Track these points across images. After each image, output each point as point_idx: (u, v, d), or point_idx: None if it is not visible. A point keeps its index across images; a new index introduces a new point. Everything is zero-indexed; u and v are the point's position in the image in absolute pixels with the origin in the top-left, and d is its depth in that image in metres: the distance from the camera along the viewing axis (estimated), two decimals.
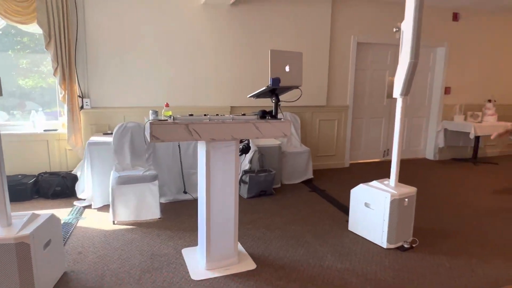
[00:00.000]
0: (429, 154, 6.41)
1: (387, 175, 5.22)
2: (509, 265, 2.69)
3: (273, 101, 2.54)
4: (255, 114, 2.57)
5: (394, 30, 5.77)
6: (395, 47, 5.76)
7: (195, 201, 3.95)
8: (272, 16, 4.82)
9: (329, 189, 4.50)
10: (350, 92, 5.51)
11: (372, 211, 3.00)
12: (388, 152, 6.12)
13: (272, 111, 2.56)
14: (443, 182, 4.97)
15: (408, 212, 2.94)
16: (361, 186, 3.13)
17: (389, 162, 6.13)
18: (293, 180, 4.74)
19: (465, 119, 6.15)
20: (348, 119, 5.58)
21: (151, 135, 2.17)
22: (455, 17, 5.92)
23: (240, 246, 2.88)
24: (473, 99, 6.40)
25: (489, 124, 5.90)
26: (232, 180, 2.51)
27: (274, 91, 2.51)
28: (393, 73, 5.93)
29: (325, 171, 5.35)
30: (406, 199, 2.89)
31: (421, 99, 6.24)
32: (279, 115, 2.56)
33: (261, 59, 4.85)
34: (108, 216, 3.45)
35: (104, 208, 3.69)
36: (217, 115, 2.52)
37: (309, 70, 5.09)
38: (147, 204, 3.43)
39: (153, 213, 3.45)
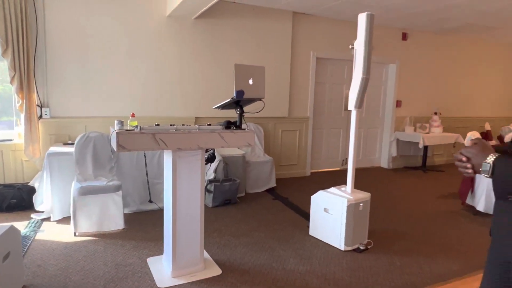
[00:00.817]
0: (384, 162, 6.83)
1: (345, 183, 5.51)
2: (451, 261, 2.98)
3: (238, 112, 2.66)
4: (220, 125, 2.67)
5: (350, 47, 6.15)
6: (351, 62, 6.13)
7: (160, 211, 3.95)
8: (235, 30, 5.00)
9: (291, 197, 4.68)
10: (311, 104, 5.79)
11: (330, 216, 3.19)
12: (346, 161, 6.45)
13: (236, 121, 2.68)
14: (395, 188, 5.34)
15: (363, 216, 3.17)
16: (320, 193, 3.32)
17: (347, 170, 6.46)
18: (257, 189, 4.87)
19: (415, 130, 6.64)
20: (309, 129, 5.84)
21: (118, 145, 2.21)
22: (404, 36, 6.44)
23: (206, 254, 2.94)
24: (421, 111, 6.94)
25: (435, 135, 6.43)
26: (198, 189, 2.59)
27: (238, 102, 2.64)
28: (349, 87, 6.30)
29: (287, 180, 5.54)
30: (361, 204, 3.11)
31: (375, 111, 6.67)
32: (243, 126, 2.69)
33: (225, 71, 4.99)
34: (68, 228, 3.37)
35: (64, 220, 3.59)
36: (183, 125, 2.60)
37: (272, 83, 5.29)
38: (110, 214, 3.40)
39: (117, 223, 3.41)
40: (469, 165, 1.10)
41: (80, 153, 3.60)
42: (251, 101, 2.69)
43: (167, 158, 2.54)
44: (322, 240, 3.29)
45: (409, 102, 6.78)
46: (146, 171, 3.91)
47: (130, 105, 4.50)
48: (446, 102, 7.19)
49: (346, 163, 6.46)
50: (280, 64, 5.36)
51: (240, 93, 2.50)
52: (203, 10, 4.35)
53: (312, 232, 3.41)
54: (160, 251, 2.98)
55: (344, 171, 6.29)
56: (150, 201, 3.95)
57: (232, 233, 3.44)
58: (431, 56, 6.82)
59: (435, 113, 6.70)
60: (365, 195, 3.18)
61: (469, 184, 4.27)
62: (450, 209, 4.41)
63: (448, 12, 4.98)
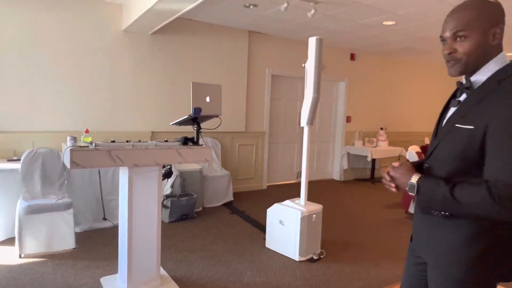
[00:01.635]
0: (336, 175, 7.17)
1: (300, 195, 5.71)
2: (394, 266, 3.22)
3: (195, 128, 2.73)
4: (178, 140, 2.72)
5: (303, 65, 6.46)
6: (304, 79, 6.45)
7: (113, 228, 3.84)
8: (193, 47, 5.08)
9: (248, 210, 4.77)
10: (267, 119, 5.98)
11: (285, 228, 3.32)
12: (300, 174, 6.68)
13: (194, 137, 2.74)
14: (346, 199, 5.63)
15: (316, 226, 3.34)
16: (276, 206, 3.45)
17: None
18: (214, 203, 4.91)
19: (363, 144, 7.08)
20: (265, 144, 6.01)
21: (72, 162, 2.17)
22: (352, 57, 6.91)
23: (162, 270, 2.92)
24: (369, 127, 7.42)
25: (382, 149, 6.90)
26: (154, 205, 2.60)
27: (195, 119, 2.71)
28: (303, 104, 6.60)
29: (244, 193, 5.63)
30: (314, 215, 3.28)
31: (327, 126, 7.02)
32: (201, 141, 2.75)
33: (182, 87, 5.03)
34: (13, 250, 3.17)
35: (8, 241, 3.37)
36: (140, 141, 2.61)
37: (229, 98, 5.40)
38: (60, 234, 3.26)
39: (67, 243, 3.28)
40: (393, 184, 1.26)
41: (27, 170, 3.43)
42: (208, 118, 2.77)
43: (123, 175, 2.53)
44: (278, 251, 3.40)
45: (358, 118, 7.23)
46: (101, 188, 3.80)
47: (84, 120, 4.37)
48: (391, 118, 7.76)
49: (301, 176, 6.70)
50: (237, 80, 5.50)
51: (197, 110, 2.57)
52: (160, 26, 4.39)
53: (268, 244, 3.51)
54: (114, 270, 2.91)
55: (299, 184, 6.52)
56: (104, 219, 3.83)
57: (189, 248, 3.45)
58: (377, 76, 7.36)
59: (381, 128, 7.20)
60: (317, 207, 3.36)
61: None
62: (395, 217, 4.75)
63: (389, 37, 5.46)
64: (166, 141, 2.71)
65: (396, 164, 1.29)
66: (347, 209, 5.09)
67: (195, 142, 2.71)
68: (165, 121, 4.94)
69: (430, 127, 8.67)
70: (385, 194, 6.08)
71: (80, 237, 3.56)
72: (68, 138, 2.59)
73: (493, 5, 1.16)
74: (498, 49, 1.17)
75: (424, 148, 6.80)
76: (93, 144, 2.29)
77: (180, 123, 2.70)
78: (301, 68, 6.30)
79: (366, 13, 4.27)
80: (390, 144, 7.34)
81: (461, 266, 1.16)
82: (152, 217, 2.59)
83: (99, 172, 3.82)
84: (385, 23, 4.68)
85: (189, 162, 2.64)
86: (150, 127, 4.87)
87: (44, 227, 3.17)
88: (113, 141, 2.46)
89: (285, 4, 3.70)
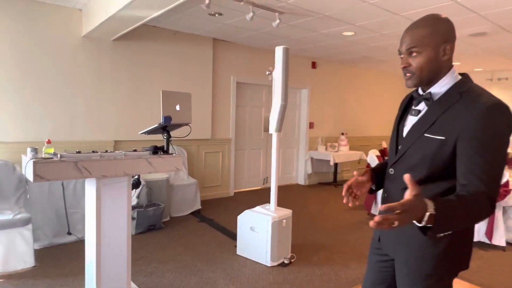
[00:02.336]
0: (301, 180, 7.33)
1: (268, 201, 5.78)
2: (362, 266, 3.36)
3: (165, 137, 2.69)
4: (147, 150, 2.67)
5: (267, 73, 6.58)
6: (268, 87, 6.57)
7: (76, 243, 3.66)
8: (156, 53, 5.00)
9: (217, 218, 4.74)
10: (232, 126, 6.00)
11: (257, 234, 3.35)
12: (267, 180, 6.77)
13: (163, 146, 2.70)
14: (312, 203, 5.78)
15: (286, 231, 3.40)
16: (246, 212, 3.47)
17: (269, 188, 6.75)
18: (182, 212, 4.83)
19: (326, 149, 7.31)
20: (231, 151, 6.02)
21: (35, 175, 2.06)
22: (314, 65, 7.14)
23: (133, 284, 2.83)
24: (331, 132, 7.69)
25: (343, 153, 7.16)
26: (124, 218, 2.52)
27: (165, 127, 2.67)
28: (268, 110, 6.71)
29: (212, 201, 5.59)
30: (284, 220, 3.35)
31: (292, 132, 7.18)
32: (171, 150, 2.72)
33: (146, 94, 4.93)
34: None
35: None
36: (107, 151, 2.53)
37: (194, 106, 5.31)
38: (17, 252, 3.05)
39: (26, 261, 3.07)
40: (396, 223, 0.98)
41: None
42: (178, 126, 2.75)
43: (90, 187, 2.43)
44: (250, 258, 3.42)
45: (320, 124, 7.47)
46: (64, 201, 3.59)
47: (41, 130, 4.14)
48: (350, 123, 8.09)
49: (267, 181, 6.78)
50: (202, 87, 5.48)
51: (167, 118, 2.55)
52: (123, 32, 4.29)
53: (240, 251, 3.52)
54: (79, 286, 2.77)
55: (266, 190, 6.62)
56: (69, 233, 3.62)
57: (158, 259, 3.36)
58: (337, 83, 7.66)
59: (342, 133, 7.48)
60: (287, 212, 3.42)
61: (373, 196, 4.87)
62: (358, 219, 4.95)
63: (349, 46, 5.72)
64: (135, 150, 2.64)
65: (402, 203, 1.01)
66: (314, 212, 5.23)
67: (165, 151, 2.68)
68: (128, 129, 4.80)
69: (386, 131, 9.15)
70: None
71: (40, 254, 3.35)
72: (29, 149, 2.46)
73: (444, 23, 1.26)
74: (448, 63, 1.28)
75: (382, 152, 7.16)
76: (58, 155, 2.19)
77: (150, 132, 2.66)
78: (265, 76, 6.43)
79: (327, 23, 4.46)
80: (351, 148, 7.64)
81: (430, 262, 1.28)
82: (122, 230, 2.51)
83: (62, 184, 3.63)
84: (344, 33, 4.91)
85: (159, 171, 2.60)
86: (112, 136, 4.70)
87: (0, 245, 2.95)
88: (79, 152, 2.37)
89: (251, 14, 3.77)
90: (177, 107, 2.63)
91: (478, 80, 8.01)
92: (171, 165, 2.63)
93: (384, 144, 7.52)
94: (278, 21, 4.00)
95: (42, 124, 4.16)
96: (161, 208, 4.22)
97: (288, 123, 7.07)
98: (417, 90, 1.37)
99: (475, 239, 3.89)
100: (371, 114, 8.58)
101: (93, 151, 2.52)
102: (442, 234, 1.18)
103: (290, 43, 5.59)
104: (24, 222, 3.08)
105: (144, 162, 2.48)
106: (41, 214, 3.58)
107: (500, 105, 1.16)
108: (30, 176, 2.11)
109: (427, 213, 1.01)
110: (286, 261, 3.33)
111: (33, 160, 2.08)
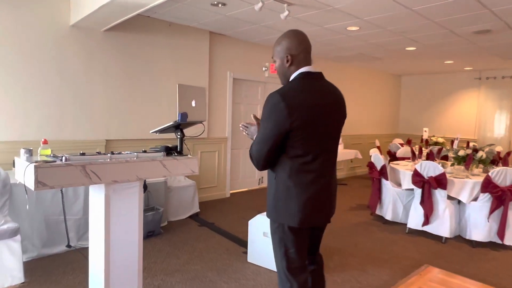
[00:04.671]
0: None
1: (264, 202, 5.56)
2: (380, 271, 3.20)
3: (178, 136, 2.42)
4: (156, 150, 2.38)
5: (264, 69, 6.36)
6: (264, 84, 6.35)
7: (68, 253, 3.31)
8: (150, 46, 4.66)
9: (217, 221, 4.48)
10: (229, 124, 5.74)
11: (270, 239, 3.11)
12: (262, 179, 6.54)
13: (176, 146, 2.43)
14: None
15: None
16: (258, 217, 3.23)
17: (265, 189, 6.56)
18: (180, 216, 4.53)
19: None
20: (227, 150, 5.76)
21: (37, 181, 1.75)
22: None
23: None
24: None
25: (339, 152, 7.02)
26: (135, 227, 2.23)
27: (178, 126, 2.40)
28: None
29: (209, 203, 5.31)
30: None
31: None
32: (185, 151, 2.45)
33: (139, 89, 4.59)
34: None
35: None
36: (113, 152, 2.22)
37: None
38: (4, 266, 2.68)
39: (14, 277, 2.71)
40: (246, 131, 1.94)
41: None
42: (192, 124, 2.48)
43: (97, 193, 2.13)
44: (263, 266, 3.19)
45: None
46: (63, 207, 3.18)
47: (25, 128, 3.74)
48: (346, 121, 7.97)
49: (263, 181, 6.56)
50: (198, 83, 5.17)
51: (184, 116, 2.28)
52: (116, 22, 3.94)
53: (251, 258, 3.28)
54: None
55: (261, 190, 6.40)
56: (69, 246, 3.22)
57: (164, 270, 3.08)
58: (330, 80, 7.51)
59: None
60: None
61: (378, 196, 4.75)
62: (362, 220, 4.82)
63: (348, 42, 5.58)
64: (145, 151, 2.35)
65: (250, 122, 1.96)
66: None
67: (179, 152, 2.40)
68: (120, 128, 4.45)
69: (378, 129, 9.14)
70: (345, 196, 6.19)
71: (29, 268, 2.99)
72: (22, 151, 2.13)
73: (286, 41, 1.76)
74: (295, 68, 1.76)
75: (379, 148, 7.09)
76: (63, 157, 1.88)
77: (162, 131, 2.37)
78: (261, 72, 6.21)
79: (334, 17, 4.28)
80: (345, 147, 7.54)
81: (270, 211, 1.81)
82: (133, 241, 2.23)
83: (61, 189, 3.25)
84: (349, 28, 4.75)
85: (174, 175, 2.32)
86: (103, 134, 4.34)
87: None
88: (83, 154, 2.06)
89: (260, 4, 3.52)
90: (193, 103, 2.36)
91: (467, 78, 8.06)
92: (186, 167, 2.36)
93: (378, 143, 7.46)
94: (286, 12, 3.78)
95: (26, 122, 3.76)
96: (160, 213, 3.92)
97: None
98: None
99: (486, 239, 3.83)
100: (363, 112, 8.52)
101: (97, 153, 2.23)
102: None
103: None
104: (12, 233, 2.72)
105: (158, 165, 2.20)
106: (28, 223, 3.21)
107: (271, 94, 1.69)
108: (30, 183, 1.79)
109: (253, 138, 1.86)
110: None
111: (34, 164, 1.76)
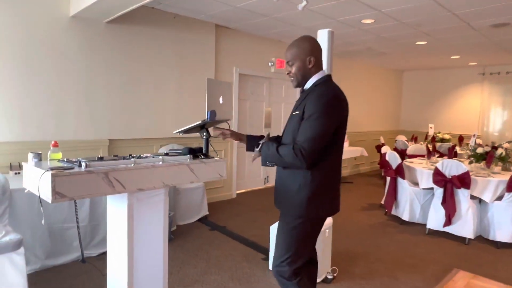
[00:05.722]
0: None
1: (272, 202, 5.35)
2: (411, 277, 3.03)
3: (204, 137, 2.18)
4: (178, 153, 2.14)
5: (270, 64, 6.12)
6: (270, 80, 6.12)
7: (73, 264, 3.05)
8: (154, 39, 4.37)
9: (228, 225, 4.25)
10: (235, 122, 5.50)
11: None
12: (268, 179, 6.33)
13: (200, 148, 2.19)
14: None
15: (327, 243, 2.99)
16: None
17: (270, 188, 6.33)
18: (188, 220, 4.28)
19: None
20: (233, 149, 5.52)
21: (54, 192, 1.49)
22: None
23: None
24: None
25: (345, 149, 6.84)
26: (160, 239, 2.00)
27: (204, 125, 2.16)
28: (269, 104, 6.26)
29: (216, 204, 5.07)
30: (327, 230, 2.93)
31: None
32: (211, 152, 2.21)
33: (144, 84, 4.31)
34: None
35: None
36: (131, 155, 1.96)
37: (195, 99, 4.80)
38: (6, 282, 2.41)
39: None
40: (228, 137, 2.15)
41: None
42: (217, 123, 2.25)
43: (118, 202, 1.88)
44: None
45: None
46: (76, 215, 2.82)
47: (23, 128, 3.44)
48: (349, 118, 7.80)
49: (268, 181, 6.35)
50: (203, 78, 4.89)
51: (213, 114, 2.04)
52: (120, 13, 3.66)
53: None
54: None
55: (267, 190, 6.18)
56: (83, 261, 2.89)
57: (182, 281, 2.84)
58: (335, 77, 7.31)
59: None
60: (329, 220, 3.01)
61: (393, 196, 4.58)
62: (378, 220, 4.65)
63: (357, 36, 5.38)
64: (167, 154, 2.10)
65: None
66: None
67: (205, 154, 2.17)
68: (125, 126, 4.18)
69: (382, 126, 9.01)
70: (353, 195, 6.02)
71: (32, 281, 2.73)
72: (31, 155, 1.89)
73: (308, 43, 1.86)
74: (316, 69, 1.87)
75: (379, 147, 6.95)
76: (82, 163, 1.62)
77: (187, 131, 2.13)
78: (267, 68, 5.97)
79: (351, 9, 4.07)
80: (350, 144, 7.37)
81: (296, 206, 1.81)
82: (157, 254, 1.99)
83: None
84: (363, 21, 4.55)
85: (202, 180, 2.09)
86: (106, 134, 4.06)
87: None
88: (101, 158, 1.80)
89: None
90: (221, 100, 2.12)
91: (470, 74, 7.91)
92: (214, 172, 2.13)
93: (382, 140, 7.32)
94: (304, 3, 3.55)
95: (24, 121, 3.46)
96: (171, 217, 3.67)
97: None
98: (303, 88, 1.93)
99: (507, 239, 3.70)
100: (365, 109, 8.37)
101: (114, 156, 1.97)
102: (269, 164, 1.84)
103: (298, 31, 5.14)
104: (15, 246, 2.44)
105: (185, 170, 1.96)
106: (31, 232, 2.93)
107: (324, 92, 1.79)
108: (46, 194, 1.54)
109: (260, 141, 1.90)
110: (329, 276, 2.92)
111: (51, 172, 1.50)
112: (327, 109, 1.72)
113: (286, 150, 1.75)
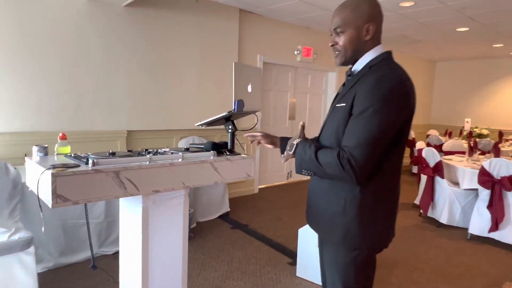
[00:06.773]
0: None
1: (296, 198, 5.07)
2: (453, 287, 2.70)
3: (230, 130, 1.91)
4: (199, 148, 1.87)
5: (296, 52, 5.75)
6: (295, 69, 5.77)
7: (86, 262, 2.87)
8: (175, 25, 4.12)
9: (251, 223, 4.00)
10: (258, 113, 5.20)
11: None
12: (291, 173, 6.04)
13: (225, 142, 1.93)
14: None
15: None
16: None
17: (294, 184, 6.03)
18: (209, 216, 4.06)
19: None
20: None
21: (55, 195, 1.26)
22: None
23: None
24: None
25: None
26: (179, 244, 1.75)
27: (229, 117, 1.88)
28: (294, 95, 5.93)
29: (237, 200, 4.83)
30: None
31: (316, 120, 6.41)
32: (238, 149, 1.94)
33: (163, 72, 4.07)
34: None
35: None
36: (147, 150, 1.71)
37: (217, 88, 4.54)
38: (16, 283, 2.24)
39: None
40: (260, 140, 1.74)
41: None
42: (244, 115, 1.98)
43: (131, 205, 1.64)
44: (316, 282, 2.70)
45: None
46: (87, 218, 2.63)
47: (36, 117, 3.27)
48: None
49: (291, 175, 6.06)
50: (225, 67, 4.62)
51: (240, 104, 1.76)
52: None
53: (301, 273, 2.79)
54: None
55: (291, 185, 5.90)
56: (94, 267, 2.71)
57: (201, 286, 2.61)
58: None
59: None
60: None
61: (430, 196, 4.20)
62: (412, 222, 4.28)
63: (395, 21, 4.95)
64: (187, 149, 1.84)
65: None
66: None
67: (231, 150, 1.89)
68: (144, 117, 3.97)
69: (413, 120, 8.50)
70: None
71: (44, 281, 2.56)
72: (35, 148, 1.67)
73: (367, 4, 1.31)
74: (373, 43, 1.34)
75: (409, 142, 6.51)
76: (90, 161, 1.38)
77: (211, 123, 1.86)
78: (293, 56, 5.63)
79: None
80: None
81: (348, 235, 1.30)
82: (175, 262, 1.75)
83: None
84: (402, 4, 4.13)
85: (227, 180, 1.82)
86: (124, 125, 3.86)
87: None
88: (113, 153, 1.56)
89: None
90: (249, 88, 1.84)
91: (511, 64, 7.21)
92: (241, 170, 1.86)
93: (413, 134, 6.87)
94: None
95: (38, 111, 3.29)
96: (191, 214, 3.45)
97: (313, 109, 6.31)
98: (351, 69, 1.39)
99: None
100: None
101: (129, 151, 1.73)
102: (305, 172, 1.36)
103: (328, 17, 4.77)
104: (24, 245, 2.26)
105: (209, 168, 1.70)
106: (42, 228, 2.76)
107: (385, 77, 1.23)
108: (46, 196, 1.31)
109: (290, 142, 1.42)
110: None
111: (51, 171, 1.26)
112: (387, 102, 1.20)
113: (328, 157, 1.26)
